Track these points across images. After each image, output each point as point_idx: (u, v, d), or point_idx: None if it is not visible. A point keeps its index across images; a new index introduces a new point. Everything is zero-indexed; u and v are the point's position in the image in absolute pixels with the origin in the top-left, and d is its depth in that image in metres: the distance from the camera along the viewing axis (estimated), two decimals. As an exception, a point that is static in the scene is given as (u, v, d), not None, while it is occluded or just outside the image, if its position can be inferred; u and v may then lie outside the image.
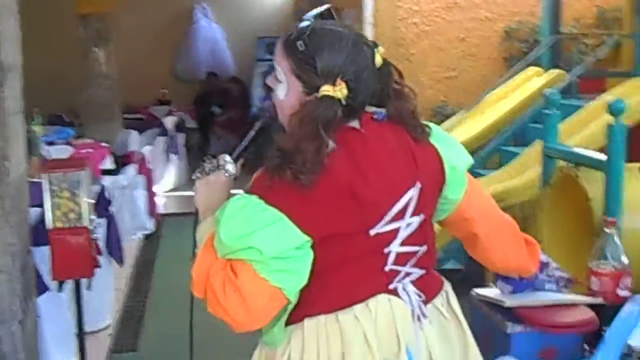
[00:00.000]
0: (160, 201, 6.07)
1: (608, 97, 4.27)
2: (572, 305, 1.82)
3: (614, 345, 1.68)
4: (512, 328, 1.76)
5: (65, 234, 2.82)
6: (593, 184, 3.03)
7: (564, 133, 3.74)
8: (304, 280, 1.20)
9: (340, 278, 1.25)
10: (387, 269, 1.26)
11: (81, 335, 3.00)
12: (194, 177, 1.35)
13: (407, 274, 1.30)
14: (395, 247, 1.27)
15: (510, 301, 1.78)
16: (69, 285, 3.03)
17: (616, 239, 1.87)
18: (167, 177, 6.91)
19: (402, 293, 1.28)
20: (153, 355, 3.76)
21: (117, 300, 4.29)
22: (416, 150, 1.26)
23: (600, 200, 2.89)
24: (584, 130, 4.17)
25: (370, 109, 1.29)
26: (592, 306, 1.83)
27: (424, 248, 1.31)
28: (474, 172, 3.90)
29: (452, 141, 1.46)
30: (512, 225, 1.55)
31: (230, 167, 1.29)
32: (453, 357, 1.34)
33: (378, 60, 1.23)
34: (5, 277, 2.47)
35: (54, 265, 2.82)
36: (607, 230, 1.89)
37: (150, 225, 5.30)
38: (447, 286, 1.42)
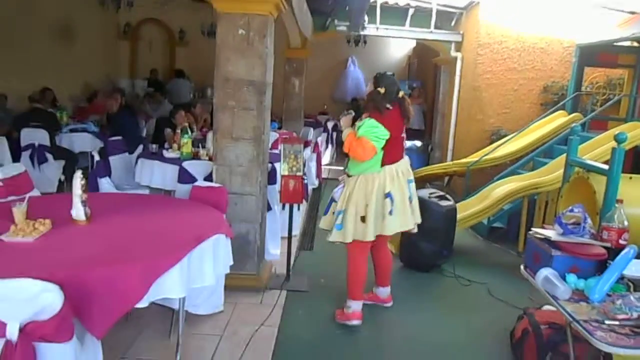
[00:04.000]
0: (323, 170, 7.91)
1: (611, 132, 5.46)
2: (593, 245, 2.40)
3: (614, 271, 2.20)
4: (554, 252, 2.35)
5: (291, 178, 3.98)
6: (598, 184, 3.80)
7: (580, 152, 4.49)
8: (381, 147, 3.32)
9: (391, 152, 3.38)
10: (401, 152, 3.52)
11: (290, 236, 4.18)
12: (342, 115, 3.64)
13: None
14: (401, 143, 3.52)
15: (555, 237, 2.43)
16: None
17: (622, 210, 2.41)
18: (325, 156, 9.50)
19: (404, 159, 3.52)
20: (321, 252, 4.96)
21: (302, 220, 5.83)
22: (404, 121, 3.48)
23: (602, 193, 3.57)
24: (592, 152, 5.32)
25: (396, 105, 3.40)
26: (604, 247, 2.40)
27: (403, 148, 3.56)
28: (516, 171, 6.23)
29: None
30: None
31: (352, 113, 3.61)
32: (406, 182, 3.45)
33: (401, 93, 3.46)
34: (254, 198, 3.84)
35: (283, 195, 4.02)
36: (617, 205, 2.47)
37: (317, 182, 7.19)
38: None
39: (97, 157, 4.74)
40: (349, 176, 3.48)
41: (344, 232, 3.39)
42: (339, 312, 3.60)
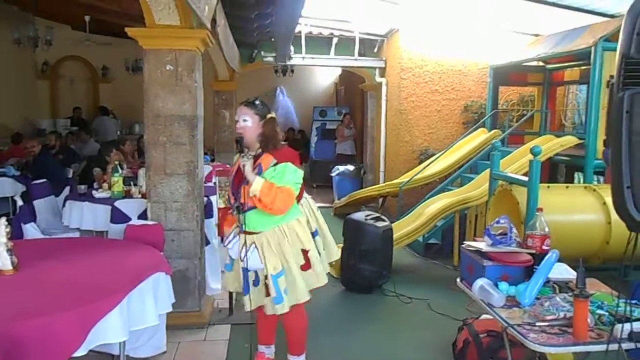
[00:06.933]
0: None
1: (527, 145, 5.81)
2: (519, 252, 2.51)
3: (540, 276, 2.30)
4: (486, 263, 2.46)
5: (226, 211, 3.46)
6: (520, 195, 4.13)
7: (502, 166, 4.99)
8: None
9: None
10: None
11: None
12: (242, 159, 2.76)
13: None
14: None
15: (486, 248, 2.54)
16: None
17: (542, 218, 2.55)
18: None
19: None
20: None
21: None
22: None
23: (524, 203, 3.95)
24: (512, 165, 5.64)
25: None
26: (529, 254, 2.51)
27: None
28: (446, 188, 6.55)
29: None
30: None
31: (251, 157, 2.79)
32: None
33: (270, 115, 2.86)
34: (192, 233, 3.79)
35: (220, 227, 3.55)
36: (537, 213, 2.60)
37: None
38: None
39: (20, 202, 4.51)
40: (253, 233, 2.84)
41: (295, 293, 2.84)
42: None
